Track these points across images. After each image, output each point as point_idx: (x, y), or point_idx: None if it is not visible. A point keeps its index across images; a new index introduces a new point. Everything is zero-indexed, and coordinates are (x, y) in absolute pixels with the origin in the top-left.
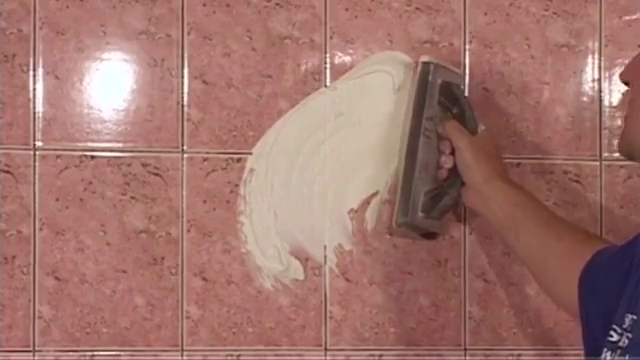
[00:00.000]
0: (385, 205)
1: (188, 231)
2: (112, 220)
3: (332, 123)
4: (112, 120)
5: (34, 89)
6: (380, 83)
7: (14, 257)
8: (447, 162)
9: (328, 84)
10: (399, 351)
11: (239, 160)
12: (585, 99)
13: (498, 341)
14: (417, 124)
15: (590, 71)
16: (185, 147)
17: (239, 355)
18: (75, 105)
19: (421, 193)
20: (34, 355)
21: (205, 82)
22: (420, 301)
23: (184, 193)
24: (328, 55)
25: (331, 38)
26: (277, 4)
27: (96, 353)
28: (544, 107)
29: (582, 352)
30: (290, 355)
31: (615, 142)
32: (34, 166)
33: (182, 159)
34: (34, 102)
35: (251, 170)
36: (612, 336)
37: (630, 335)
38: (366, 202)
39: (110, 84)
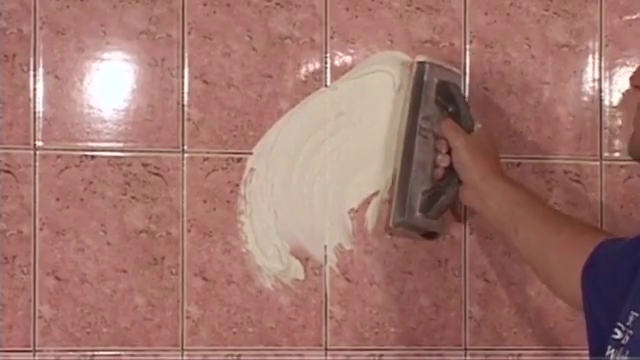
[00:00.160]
0: (385, 205)
1: (188, 231)
2: (112, 220)
3: (332, 123)
4: (112, 120)
5: (34, 89)
6: (380, 83)
7: (14, 257)
8: (443, 161)
9: (328, 84)
10: (399, 351)
11: (239, 160)
12: (585, 99)
13: (498, 341)
14: (413, 124)
15: (590, 71)
16: (185, 147)
17: (239, 355)
18: (75, 105)
19: (418, 193)
20: (34, 355)
21: (205, 82)
22: (420, 301)
23: (184, 193)
24: (328, 55)
25: (331, 38)
26: (277, 4)
27: (96, 353)
28: (544, 107)
29: (582, 352)
30: (290, 355)
31: (616, 142)
32: (34, 166)
33: (182, 159)
34: (34, 102)
35: (251, 170)
36: (616, 334)
37: (631, 332)
38: (366, 202)
39: (110, 84)
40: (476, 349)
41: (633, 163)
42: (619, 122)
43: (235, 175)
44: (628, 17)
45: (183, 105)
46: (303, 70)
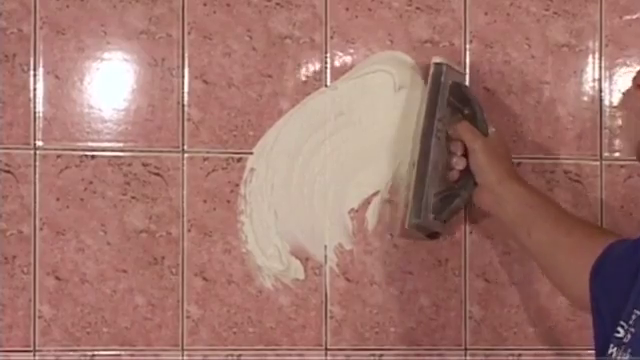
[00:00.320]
0: (385, 205)
1: (189, 231)
2: (112, 220)
3: (332, 123)
4: (112, 120)
5: (34, 89)
6: (380, 83)
7: (14, 257)
8: (459, 163)
9: (328, 84)
10: (399, 351)
11: (239, 160)
12: (586, 99)
13: (499, 341)
14: (430, 125)
15: (590, 71)
16: (185, 147)
17: (239, 355)
18: (75, 105)
19: (431, 194)
20: (34, 355)
21: (205, 82)
22: (421, 301)
23: (184, 193)
24: (328, 55)
25: (331, 38)
26: (277, 4)
27: (96, 353)
28: (545, 107)
29: (583, 352)
30: (290, 355)
31: (616, 142)
32: (34, 166)
33: (182, 159)
34: (34, 102)
35: (251, 170)
36: (619, 332)
37: (633, 330)
38: (366, 202)
39: (110, 84)
40: (476, 349)
41: (633, 163)
42: (619, 122)
43: (235, 175)
44: (628, 17)
45: (183, 105)
46: (303, 70)
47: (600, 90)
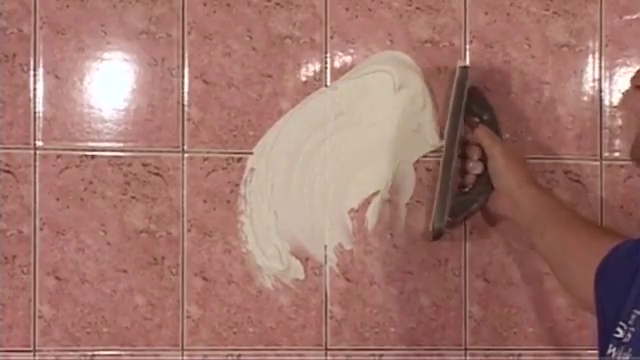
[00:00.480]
0: (385, 205)
1: (189, 231)
2: (112, 220)
3: (332, 123)
4: (112, 120)
5: (34, 89)
6: (380, 83)
7: (14, 257)
8: (476, 168)
9: (328, 84)
10: (399, 351)
11: (239, 160)
12: (586, 99)
13: (498, 341)
14: (455, 130)
15: (590, 71)
16: (185, 147)
17: (239, 355)
18: (75, 105)
19: (450, 199)
20: (34, 355)
21: (205, 82)
22: (420, 301)
23: (184, 193)
24: (328, 55)
25: (331, 38)
26: (277, 4)
27: (96, 353)
28: (545, 107)
29: (583, 352)
30: (290, 355)
31: (616, 142)
32: (34, 166)
33: (182, 159)
34: (34, 102)
35: (251, 170)
36: (618, 332)
37: (633, 330)
38: (366, 202)
39: (110, 84)
40: (476, 349)
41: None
42: (619, 122)
43: (235, 175)
44: (628, 17)
45: (183, 105)
46: (303, 70)
47: (600, 90)
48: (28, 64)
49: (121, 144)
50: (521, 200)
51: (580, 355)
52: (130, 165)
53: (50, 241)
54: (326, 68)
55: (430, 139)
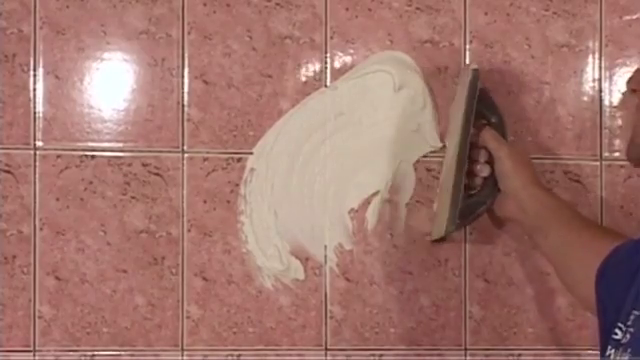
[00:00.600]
0: (385, 205)
1: (188, 231)
2: (112, 220)
3: (332, 123)
4: (112, 120)
5: (34, 89)
6: (380, 83)
7: (14, 257)
8: (483, 170)
9: (328, 84)
10: (399, 351)
11: (239, 160)
12: (585, 99)
13: (498, 341)
14: (466, 133)
15: (590, 71)
16: (185, 147)
17: (239, 355)
18: (75, 105)
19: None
20: (34, 355)
21: (205, 82)
22: (420, 301)
23: (184, 193)
24: (328, 55)
25: (331, 38)
26: (277, 4)
27: (96, 353)
28: (544, 107)
29: (582, 352)
30: (290, 355)
31: (616, 142)
32: (34, 166)
33: (182, 159)
34: (34, 102)
35: (251, 170)
36: (616, 334)
37: (632, 330)
38: (366, 202)
39: (110, 84)
40: (476, 349)
41: None
42: (619, 122)
43: (235, 175)
44: (628, 17)
45: (183, 105)
46: (303, 70)
47: (600, 90)
48: (28, 64)
49: (121, 144)
50: (526, 201)
51: (580, 355)
52: (130, 165)
53: (50, 241)
54: (326, 68)
55: (430, 139)
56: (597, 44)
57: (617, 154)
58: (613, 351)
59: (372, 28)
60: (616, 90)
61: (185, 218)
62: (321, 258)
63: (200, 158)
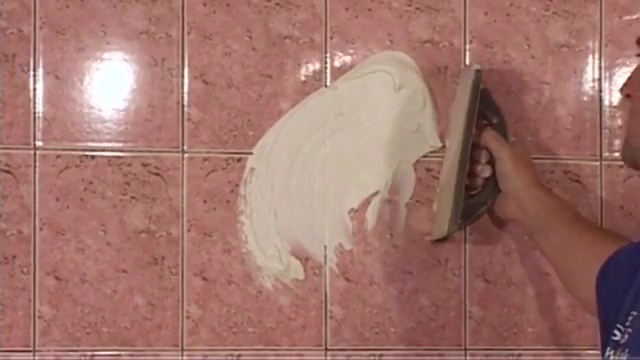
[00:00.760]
0: (385, 205)
1: (188, 231)
2: (112, 220)
3: (332, 123)
4: (112, 120)
5: (34, 89)
6: (380, 83)
7: (14, 257)
8: (485, 171)
9: (328, 84)
10: (399, 351)
11: (239, 160)
12: (585, 99)
13: (498, 341)
14: (469, 134)
15: (590, 71)
16: (185, 147)
17: (239, 355)
18: (75, 105)
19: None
20: (34, 355)
21: (205, 82)
22: (420, 301)
23: (184, 193)
24: (328, 55)
25: (331, 38)
26: (277, 4)
27: (96, 353)
28: (544, 107)
29: (582, 352)
30: (290, 355)
31: (616, 142)
32: (34, 166)
33: (182, 159)
34: (34, 102)
35: (251, 170)
36: (616, 335)
37: (630, 330)
38: (366, 202)
39: (110, 84)
40: (476, 349)
41: None
42: (619, 122)
43: (235, 175)
44: (628, 17)
45: (183, 105)
46: (303, 70)
47: (600, 90)
48: (28, 64)
49: (121, 144)
50: (527, 202)
51: (580, 355)
52: (130, 165)
53: (50, 241)
54: (326, 68)
55: (430, 139)
56: (597, 44)
57: (617, 154)
58: (612, 352)
59: (372, 28)
60: (616, 90)
61: (185, 218)
62: (321, 258)
63: (200, 158)
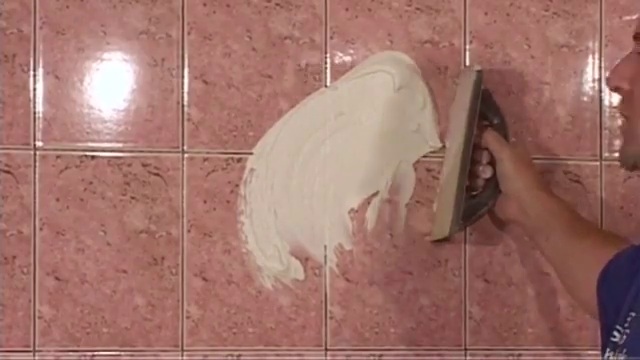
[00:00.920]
0: (385, 205)
1: (188, 231)
2: (112, 220)
3: (332, 123)
4: (112, 120)
5: (34, 89)
6: (380, 83)
7: (14, 257)
8: (486, 172)
9: (328, 84)
10: (399, 351)
11: (239, 160)
12: (585, 99)
13: (498, 341)
14: (470, 135)
15: (590, 71)
16: (185, 147)
17: (239, 355)
18: (75, 105)
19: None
20: (34, 355)
21: (205, 82)
22: (420, 301)
23: (184, 193)
24: (328, 55)
25: (331, 38)
26: (277, 4)
27: (96, 353)
28: (544, 107)
29: (582, 352)
30: (290, 355)
31: (616, 142)
32: (34, 166)
33: (182, 159)
34: (34, 102)
35: (251, 170)
36: (615, 336)
37: (628, 331)
38: (366, 202)
39: (110, 84)
40: (476, 349)
41: None
42: (619, 122)
43: (235, 175)
44: (628, 17)
45: (183, 105)
46: (303, 70)
47: (600, 90)
48: (28, 64)
49: (121, 144)
50: (528, 203)
51: (580, 355)
52: (130, 165)
53: (50, 241)
54: (326, 68)
55: (430, 139)
56: (597, 44)
57: (617, 154)
58: (611, 353)
59: (372, 28)
60: None
61: (185, 218)
62: (321, 258)
63: (200, 158)
